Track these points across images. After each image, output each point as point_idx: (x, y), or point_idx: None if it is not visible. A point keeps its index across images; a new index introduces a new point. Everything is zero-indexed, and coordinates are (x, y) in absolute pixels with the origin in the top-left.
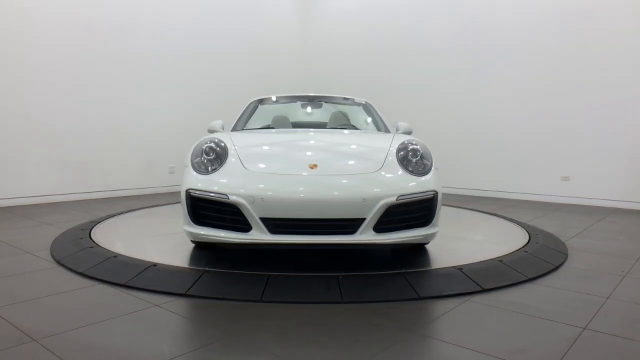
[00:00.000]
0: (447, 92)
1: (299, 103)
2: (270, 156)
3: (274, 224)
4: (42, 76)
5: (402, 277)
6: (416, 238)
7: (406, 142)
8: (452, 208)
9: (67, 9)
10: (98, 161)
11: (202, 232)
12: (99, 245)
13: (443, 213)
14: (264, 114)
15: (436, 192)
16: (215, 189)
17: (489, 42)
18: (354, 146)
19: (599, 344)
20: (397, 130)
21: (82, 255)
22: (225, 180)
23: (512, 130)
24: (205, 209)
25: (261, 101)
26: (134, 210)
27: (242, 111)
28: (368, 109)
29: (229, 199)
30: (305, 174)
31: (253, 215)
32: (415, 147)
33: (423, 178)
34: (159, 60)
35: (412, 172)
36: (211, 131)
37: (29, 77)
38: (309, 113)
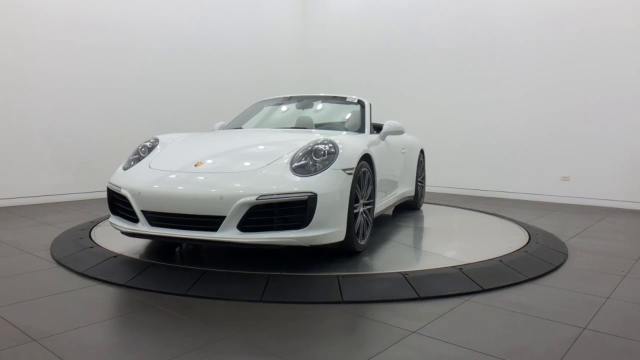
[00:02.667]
0: (447, 92)
1: (295, 103)
2: (176, 154)
3: (152, 217)
4: (42, 76)
5: (402, 277)
6: (289, 240)
7: (320, 140)
8: (452, 208)
9: (67, 9)
10: (98, 161)
11: (114, 222)
12: (99, 245)
13: (443, 212)
14: (268, 115)
15: (314, 194)
16: (117, 182)
17: (489, 42)
18: (265, 145)
19: (599, 344)
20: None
21: (82, 255)
22: (129, 175)
23: (512, 130)
24: (115, 201)
25: (263, 102)
26: None
27: (241, 112)
28: (359, 108)
29: (120, 191)
30: (185, 171)
31: (136, 207)
32: (321, 146)
33: (304, 178)
34: (159, 60)
35: (304, 173)
36: None
37: (28, 77)
38: (318, 110)
